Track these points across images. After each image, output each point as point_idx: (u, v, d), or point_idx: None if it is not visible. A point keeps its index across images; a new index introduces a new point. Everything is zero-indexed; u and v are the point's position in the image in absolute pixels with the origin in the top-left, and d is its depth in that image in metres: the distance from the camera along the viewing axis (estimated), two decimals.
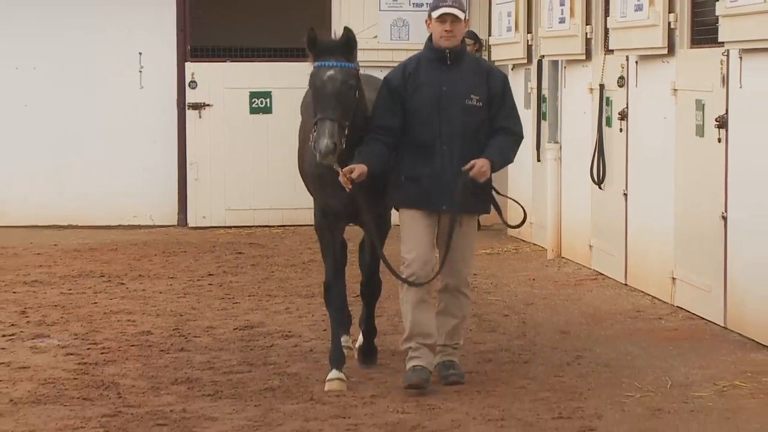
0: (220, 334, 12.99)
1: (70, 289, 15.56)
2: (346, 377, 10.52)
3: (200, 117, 21.36)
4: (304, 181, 11.09)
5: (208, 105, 21.29)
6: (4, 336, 12.88)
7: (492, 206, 10.26)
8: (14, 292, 15.33)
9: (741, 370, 11.19)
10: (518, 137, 10.22)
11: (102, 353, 12.11)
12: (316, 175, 10.51)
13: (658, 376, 11.00)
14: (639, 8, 14.53)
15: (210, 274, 16.65)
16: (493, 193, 10.30)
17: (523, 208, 10.66)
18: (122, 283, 16.05)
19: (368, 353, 11.32)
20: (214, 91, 21.26)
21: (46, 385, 10.90)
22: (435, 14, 9.79)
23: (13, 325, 13.42)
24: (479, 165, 9.68)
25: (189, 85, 21.42)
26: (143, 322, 13.60)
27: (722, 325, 12.83)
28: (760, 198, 12.07)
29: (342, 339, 10.92)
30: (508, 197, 10.65)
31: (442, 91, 9.96)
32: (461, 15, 9.78)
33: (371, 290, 11.28)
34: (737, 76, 12.03)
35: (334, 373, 10.47)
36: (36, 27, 21.07)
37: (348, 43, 9.90)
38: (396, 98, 10.01)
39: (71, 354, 12.09)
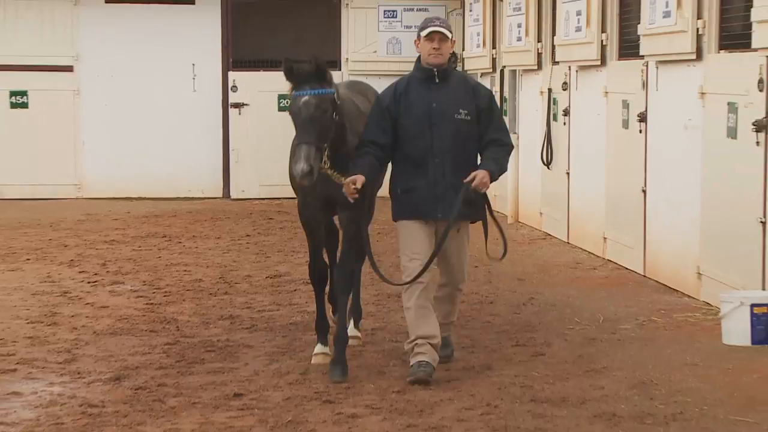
0: (255, 281, 12.97)
1: (140, 247, 15.53)
2: (330, 351, 9.06)
3: (240, 114, 21.25)
4: (291, 182, 9.28)
5: (245, 104, 21.18)
6: (89, 282, 12.87)
7: (484, 225, 8.84)
8: (96, 249, 15.30)
9: (656, 308, 11.19)
10: (510, 147, 8.83)
11: (164, 296, 12.11)
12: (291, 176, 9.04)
13: (593, 313, 11.00)
14: (578, 29, 14.52)
15: (247, 235, 16.62)
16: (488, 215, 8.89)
17: (504, 240, 8.94)
18: (180, 242, 16.02)
19: (337, 363, 8.77)
20: (250, 93, 21.14)
21: (121, 320, 10.90)
22: (423, 33, 8.49)
23: (96, 274, 13.40)
24: (480, 176, 8.34)
25: (231, 89, 21.33)
26: (196, 271, 13.59)
27: (642, 274, 12.86)
28: (672, 173, 12.09)
29: (317, 347, 9.24)
30: (496, 222, 8.88)
31: (432, 107, 8.50)
32: (448, 34, 8.49)
33: (342, 278, 9.25)
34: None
35: (319, 348, 9.21)
36: (121, 45, 20.97)
37: (319, 70, 8.48)
38: (386, 116, 8.58)
39: (140, 296, 12.09)
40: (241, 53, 21.59)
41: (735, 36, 10.95)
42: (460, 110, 8.43)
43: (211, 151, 21.37)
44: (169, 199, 20.76)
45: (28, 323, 10.80)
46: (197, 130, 21.42)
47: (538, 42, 16.52)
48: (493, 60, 18.98)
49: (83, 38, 21.03)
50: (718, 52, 11.23)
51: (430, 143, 8.47)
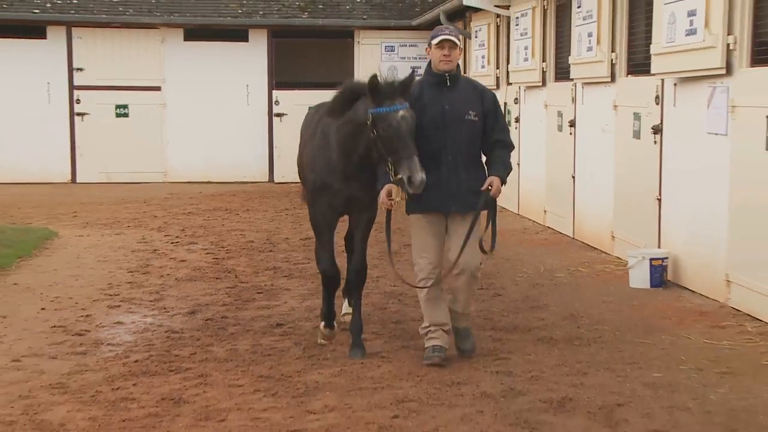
0: (292, 242, 12.95)
1: (209, 217, 15.50)
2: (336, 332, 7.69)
3: (281, 121, 21.19)
4: (305, 186, 7.88)
5: (285, 114, 21.12)
6: (172, 243, 12.85)
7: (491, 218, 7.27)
8: (177, 219, 15.28)
9: (582, 262, 11.18)
10: (512, 147, 7.25)
11: (226, 252, 12.09)
12: (321, 183, 7.27)
13: (536, 265, 10.98)
14: (526, 59, 14.50)
15: (286, 209, 16.58)
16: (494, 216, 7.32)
17: (493, 237, 7.25)
18: (237, 214, 16.00)
19: (357, 345, 7.32)
20: (288, 106, 21.05)
21: (195, 270, 10.89)
22: (435, 41, 6.94)
23: (177, 237, 13.38)
24: (496, 185, 6.90)
25: (274, 103, 21.31)
26: (249, 235, 13.56)
27: (572, 237, 12.84)
28: (593, 163, 12.12)
29: (326, 331, 7.59)
30: (494, 222, 7.27)
31: (445, 109, 6.93)
32: (457, 42, 6.96)
33: (361, 278, 7.57)
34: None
35: (328, 332, 7.59)
36: (195, 71, 20.95)
37: (404, 86, 6.74)
38: None
39: (209, 253, 12.07)
40: (282, 76, 21.55)
41: (639, 64, 10.96)
42: (470, 111, 6.92)
43: (260, 148, 21.40)
44: (229, 183, 20.78)
45: (128, 272, 10.80)
46: (250, 133, 21.41)
47: (497, 69, 16.47)
48: (497, 78, 18.84)
49: (167, 66, 21.00)
50: (627, 76, 11.26)
51: (443, 142, 6.90)
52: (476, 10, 16.98)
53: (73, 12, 20.66)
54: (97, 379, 6.74)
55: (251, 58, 21.37)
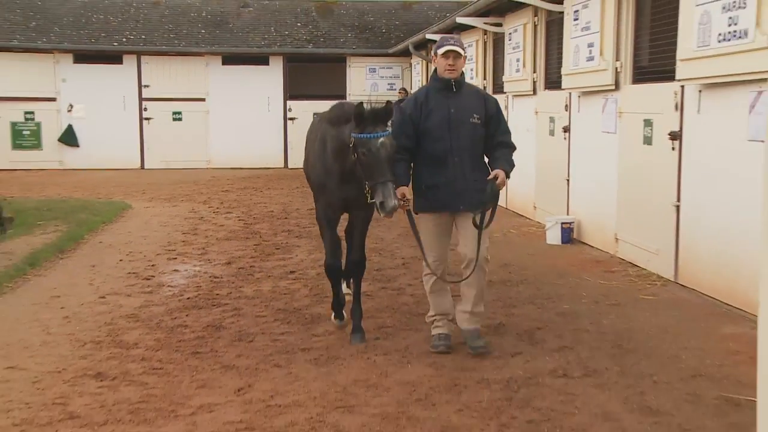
0: (302, 212, 12.89)
1: (240, 194, 15.44)
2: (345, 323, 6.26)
3: (293, 123, 21.13)
4: (309, 184, 6.26)
5: (296, 118, 21.04)
6: (213, 212, 12.77)
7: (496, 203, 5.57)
8: (217, 195, 15.20)
9: (512, 226, 11.18)
10: (514, 148, 5.69)
11: (253, 219, 12.02)
12: (320, 184, 5.93)
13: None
14: (518, 71, 14.40)
15: (297, 187, 16.50)
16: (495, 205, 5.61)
17: (492, 214, 5.59)
18: (261, 191, 15.93)
19: (357, 330, 5.94)
20: (299, 112, 20.98)
21: (230, 232, 10.83)
22: (440, 51, 5.55)
23: (217, 208, 13.30)
24: (501, 177, 5.43)
25: (288, 110, 21.22)
26: (269, 206, 13.50)
27: (505, 207, 12.76)
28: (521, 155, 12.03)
29: (336, 321, 6.23)
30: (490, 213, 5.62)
31: (451, 113, 5.55)
32: (462, 52, 5.57)
33: (360, 269, 6.14)
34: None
35: (338, 323, 6.22)
36: (231, 86, 20.83)
37: (386, 113, 5.31)
38: (410, 123, 5.55)
39: (241, 220, 12.00)
40: (294, 90, 21.43)
41: (553, 81, 10.89)
42: (474, 115, 5.56)
43: (278, 143, 21.34)
44: (256, 168, 20.70)
45: (182, 233, 10.73)
46: (270, 132, 21.34)
47: (484, 80, 16.05)
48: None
49: (210, 83, 20.93)
50: (544, 90, 11.20)
51: (449, 144, 5.51)
52: (434, 42, 16.83)
53: (142, 44, 20.65)
54: (160, 311, 6.71)
55: (271, 76, 21.24)
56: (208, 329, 6.15)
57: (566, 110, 10.18)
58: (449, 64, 5.49)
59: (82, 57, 20.50)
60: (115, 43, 20.59)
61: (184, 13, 22.09)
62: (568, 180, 10.21)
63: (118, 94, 20.63)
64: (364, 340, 5.84)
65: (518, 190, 12.27)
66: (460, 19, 13.48)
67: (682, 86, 7.25)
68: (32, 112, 20.35)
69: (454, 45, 5.52)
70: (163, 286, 7.70)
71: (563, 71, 9.94)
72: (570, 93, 10.02)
